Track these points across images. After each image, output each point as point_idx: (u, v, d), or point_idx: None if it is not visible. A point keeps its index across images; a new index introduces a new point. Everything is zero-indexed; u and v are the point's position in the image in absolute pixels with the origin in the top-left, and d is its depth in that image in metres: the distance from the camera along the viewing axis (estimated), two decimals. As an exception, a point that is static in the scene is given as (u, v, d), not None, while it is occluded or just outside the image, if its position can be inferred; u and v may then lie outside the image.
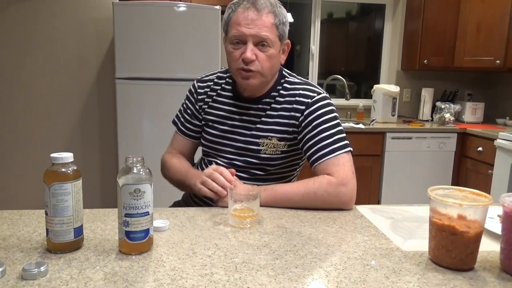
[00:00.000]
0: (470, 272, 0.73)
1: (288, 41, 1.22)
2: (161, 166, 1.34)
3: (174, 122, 1.38)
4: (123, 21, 2.62)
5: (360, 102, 3.53)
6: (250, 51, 1.12)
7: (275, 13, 1.14)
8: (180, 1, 2.78)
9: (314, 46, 3.57)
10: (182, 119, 1.35)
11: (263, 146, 1.20)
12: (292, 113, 1.19)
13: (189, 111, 1.33)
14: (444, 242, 0.74)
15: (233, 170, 1.13)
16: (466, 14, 3.18)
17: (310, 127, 1.16)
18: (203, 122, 1.30)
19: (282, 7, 1.17)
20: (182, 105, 1.36)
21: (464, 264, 0.74)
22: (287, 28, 1.19)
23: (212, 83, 1.30)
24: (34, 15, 3.04)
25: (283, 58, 1.23)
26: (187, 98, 1.34)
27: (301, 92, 1.20)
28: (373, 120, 3.18)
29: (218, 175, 1.08)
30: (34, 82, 3.12)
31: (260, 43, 1.13)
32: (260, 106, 1.22)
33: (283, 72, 1.27)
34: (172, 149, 1.38)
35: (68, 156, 0.77)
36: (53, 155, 0.77)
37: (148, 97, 2.71)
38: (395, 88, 3.21)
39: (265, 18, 1.11)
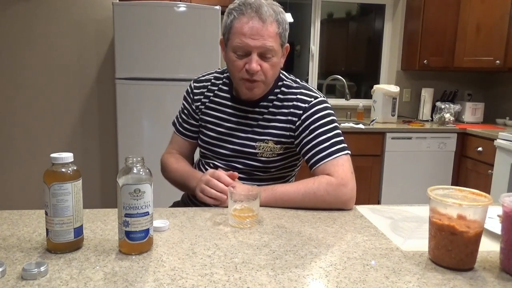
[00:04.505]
0: (469, 272, 0.74)
1: (288, 45, 1.21)
2: (161, 166, 1.34)
3: (173, 123, 1.39)
4: (123, 21, 2.62)
5: (360, 102, 3.53)
6: (255, 63, 1.11)
7: (279, 21, 1.12)
8: (180, 1, 2.78)
9: (314, 46, 3.57)
10: (180, 120, 1.36)
11: (259, 149, 1.20)
12: (289, 117, 1.19)
13: (186, 111, 1.33)
14: (444, 242, 0.74)
15: (235, 174, 1.12)
16: (466, 14, 3.18)
17: (307, 131, 1.16)
18: (200, 123, 1.30)
19: (283, 12, 1.16)
20: (181, 107, 1.36)
21: (464, 264, 0.74)
22: (287, 33, 1.18)
23: (209, 83, 1.30)
24: (34, 15, 3.04)
25: (282, 61, 1.22)
26: (184, 98, 1.34)
27: (298, 96, 1.20)
28: (373, 120, 3.18)
29: (216, 182, 1.07)
30: (34, 82, 3.12)
31: (264, 53, 1.12)
32: (257, 109, 1.22)
33: (280, 74, 1.26)
34: (171, 149, 1.37)
35: (68, 156, 0.77)
36: (53, 155, 0.77)
37: (148, 97, 2.71)
38: (395, 88, 3.21)
39: (270, 28, 1.09)
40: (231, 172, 1.13)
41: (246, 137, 1.21)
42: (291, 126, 1.19)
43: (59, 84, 3.16)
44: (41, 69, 3.11)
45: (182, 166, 1.28)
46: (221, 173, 1.10)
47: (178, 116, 1.37)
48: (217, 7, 2.69)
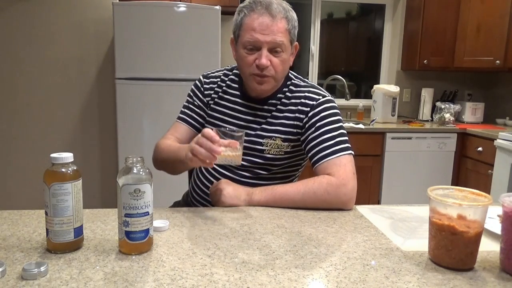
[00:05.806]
0: (470, 272, 0.74)
1: (297, 43, 1.23)
2: (154, 152, 1.27)
3: (178, 117, 1.33)
4: (123, 21, 2.62)
5: (360, 102, 3.53)
6: (265, 58, 1.12)
7: (288, 18, 1.14)
8: (180, 1, 2.78)
9: (314, 46, 3.57)
10: (187, 111, 1.31)
11: (267, 146, 1.21)
12: (297, 115, 1.20)
13: (196, 103, 1.30)
14: (444, 242, 0.74)
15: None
16: (466, 14, 3.18)
17: (313, 128, 1.17)
18: (207, 119, 1.30)
19: (292, 10, 1.17)
20: (187, 101, 1.33)
21: (464, 264, 0.74)
22: (296, 31, 1.19)
23: (219, 79, 1.30)
24: (34, 15, 3.04)
25: (291, 60, 1.24)
26: (193, 92, 1.32)
27: (306, 94, 1.22)
28: (373, 120, 3.18)
29: (205, 140, 0.96)
30: (34, 82, 3.12)
31: (274, 48, 1.13)
32: (266, 107, 1.23)
33: (289, 74, 1.28)
34: (169, 135, 1.30)
35: (68, 156, 0.77)
36: (53, 155, 0.77)
37: (148, 97, 2.71)
38: (395, 88, 3.21)
39: (279, 24, 1.12)
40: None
41: (255, 134, 1.22)
42: (298, 123, 1.20)
43: (59, 84, 3.16)
44: (41, 69, 3.11)
45: (174, 144, 1.21)
46: (209, 130, 0.97)
47: (184, 109, 1.33)
48: (217, 7, 2.69)
